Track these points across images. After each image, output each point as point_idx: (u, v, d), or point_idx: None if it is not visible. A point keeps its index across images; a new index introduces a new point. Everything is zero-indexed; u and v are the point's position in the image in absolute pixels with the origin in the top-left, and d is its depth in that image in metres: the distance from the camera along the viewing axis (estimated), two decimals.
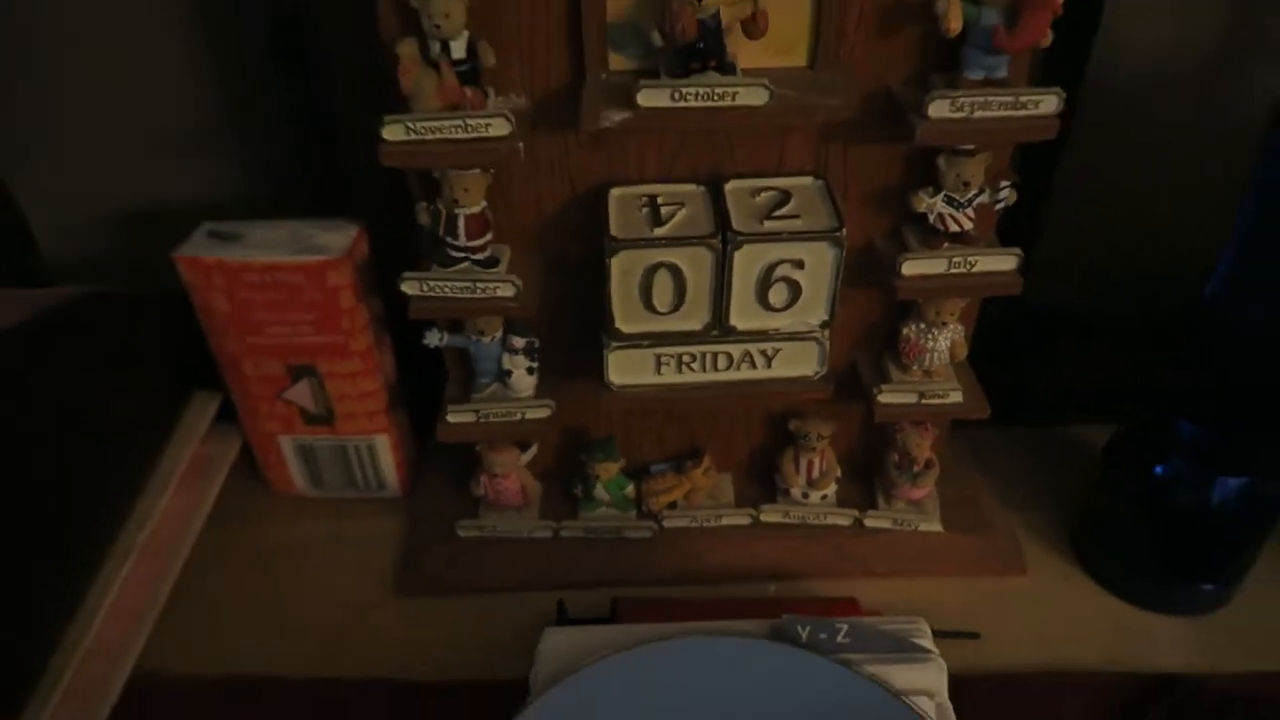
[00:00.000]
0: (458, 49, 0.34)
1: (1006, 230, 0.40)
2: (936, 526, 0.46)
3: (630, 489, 0.46)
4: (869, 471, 0.48)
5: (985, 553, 0.46)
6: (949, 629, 0.41)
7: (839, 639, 0.33)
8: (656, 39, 0.35)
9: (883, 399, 0.42)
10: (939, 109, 0.34)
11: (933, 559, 0.46)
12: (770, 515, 0.47)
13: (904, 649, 0.33)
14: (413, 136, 0.34)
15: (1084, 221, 0.51)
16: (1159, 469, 0.43)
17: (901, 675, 0.32)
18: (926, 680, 0.32)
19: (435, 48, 0.34)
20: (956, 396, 0.42)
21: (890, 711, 0.31)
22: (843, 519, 0.46)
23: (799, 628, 0.33)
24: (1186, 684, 0.40)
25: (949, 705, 0.32)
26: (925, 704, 0.31)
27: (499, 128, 0.35)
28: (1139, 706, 0.40)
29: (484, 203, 0.37)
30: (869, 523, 0.46)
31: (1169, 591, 0.44)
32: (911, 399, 0.42)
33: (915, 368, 0.42)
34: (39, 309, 0.45)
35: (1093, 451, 0.47)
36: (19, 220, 0.51)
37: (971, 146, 0.36)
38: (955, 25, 0.33)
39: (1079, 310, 0.52)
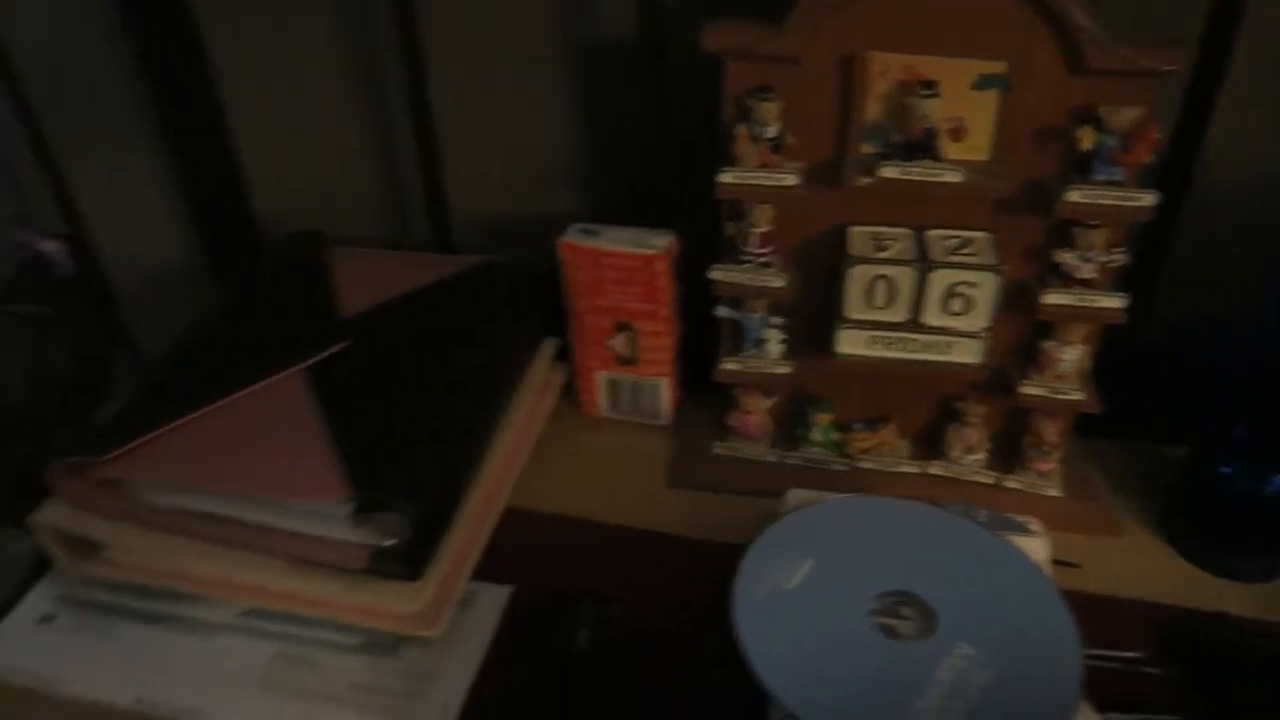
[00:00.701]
0: (771, 132, 0.59)
1: (1130, 284, 0.61)
2: (1057, 493, 0.67)
3: (836, 436, 0.69)
4: (1010, 446, 0.69)
5: (1092, 517, 0.66)
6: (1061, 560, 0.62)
7: (980, 519, 0.55)
8: (894, 136, 0.59)
9: (1024, 391, 0.64)
10: (1073, 196, 0.56)
11: (1051, 516, 0.66)
12: (934, 469, 0.69)
13: (1021, 529, 0.55)
14: (737, 181, 0.60)
15: (1190, 281, 0.71)
16: (1224, 469, 0.62)
17: (1018, 541, 0.54)
18: (1034, 547, 0.54)
19: (756, 130, 0.60)
20: (1077, 395, 0.63)
21: (1005, 555, 0.53)
22: (987, 479, 0.68)
23: (953, 507, 0.55)
24: (1222, 617, 0.59)
25: (1047, 563, 0.53)
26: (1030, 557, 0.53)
27: (790, 180, 0.59)
28: (1174, 629, 0.59)
29: (770, 225, 0.62)
30: (1007, 484, 0.67)
31: (1231, 561, 0.63)
32: (1045, 393, 0.64)
33: (1049, 372, 0.64)
34: (459, 268, 0.74)
35: (1181, 455, 0.66)
36: (446, 211, 0.80)
37: (1096, 222, 0.58)
38: (1086, 145, 0.55)
39: (1183, 348, 0.71)
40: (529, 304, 0.74)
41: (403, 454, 0.56)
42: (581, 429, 0.76)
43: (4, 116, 0.68)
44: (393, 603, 0.54)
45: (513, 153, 0.79)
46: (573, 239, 0.70)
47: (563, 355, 0.76)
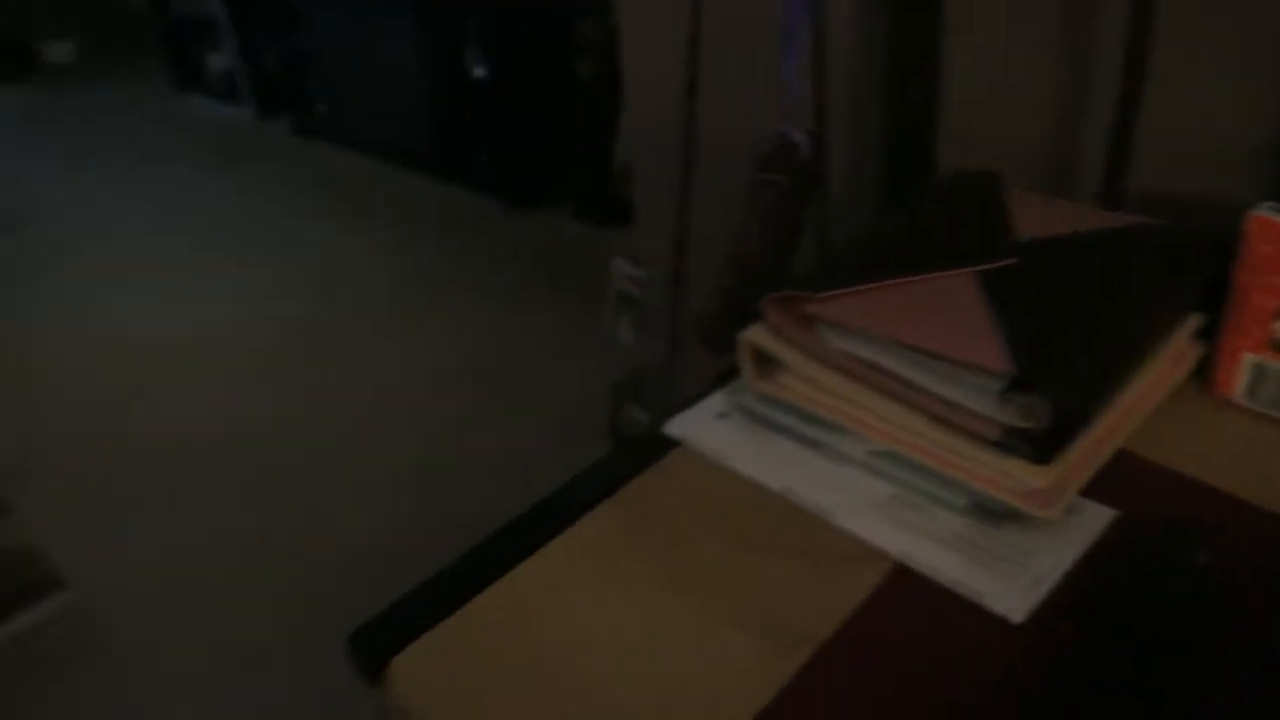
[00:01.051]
0: None
1: None
2: None
3: None
4: None
5: None
6: None
7: None
8: None
9: None
10: None
11: None
12: None
13: None
14: None
15: None
16: None
17: None
18: None
19: None
20: None
21: None
22: None
23: None
24: None
25: None
26: None
27: None
28: None
29: None
30: None
31: None
32: None
33: None
34: (1124, 224, 0.78)
35: None
36: (1125, 175, 0.84)
37: None
38: None
39: None
40: (1186, 273, 0.76)
41: (1056, 357, 0.63)
42: (1206, 407, 0.76)
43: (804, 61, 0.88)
44: (1018, 477, 0.61)
45: (1203, 131, 0.80)
46: (1265, 213, 0.70)
47: (1204, 334, 0.76)
